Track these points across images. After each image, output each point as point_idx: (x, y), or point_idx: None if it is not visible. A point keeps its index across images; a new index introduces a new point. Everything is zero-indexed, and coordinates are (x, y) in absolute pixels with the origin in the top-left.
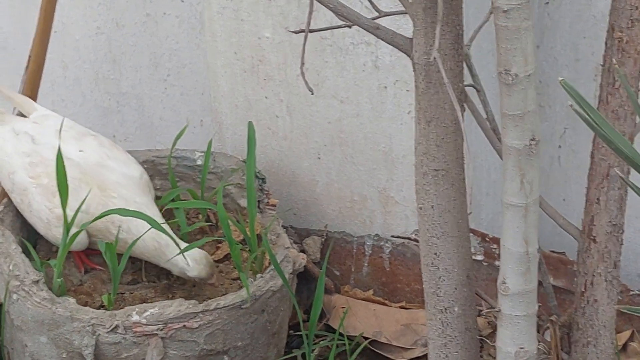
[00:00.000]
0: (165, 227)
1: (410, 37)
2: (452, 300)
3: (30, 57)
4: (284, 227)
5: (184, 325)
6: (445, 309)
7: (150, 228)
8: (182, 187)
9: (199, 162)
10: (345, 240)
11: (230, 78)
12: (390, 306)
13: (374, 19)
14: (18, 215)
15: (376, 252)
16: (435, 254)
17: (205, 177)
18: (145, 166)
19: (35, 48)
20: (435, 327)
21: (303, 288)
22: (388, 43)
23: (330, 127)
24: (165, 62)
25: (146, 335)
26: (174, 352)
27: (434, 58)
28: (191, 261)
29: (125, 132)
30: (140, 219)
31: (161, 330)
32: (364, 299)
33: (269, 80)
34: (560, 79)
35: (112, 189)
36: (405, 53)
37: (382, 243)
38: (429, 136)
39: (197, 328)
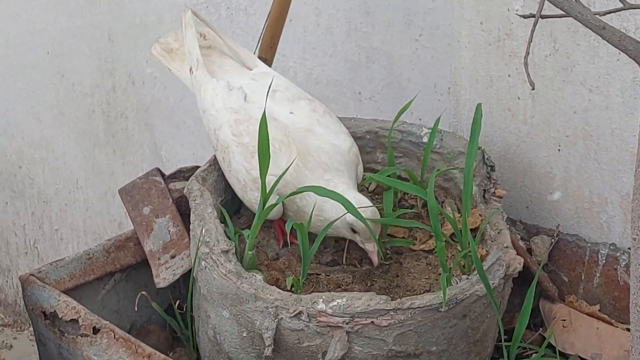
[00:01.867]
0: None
1: None
2: None
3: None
4: (512, 220)
5: (372, 322)
6: None
7: (346, 212)
8: (401, 166)
9: (425, 139)
10: (577, 244)
11: (473, 49)
12: (617, 327)
13: (605, 13)
14: (223, 176)
15: (610, 263)
16: None
17: (428, 156)
18: (368, 137)
19: None
20: None
21: (526, 290)
22: (614, 46)
23: (575, 117)
24: (419, 20)
25: (331, 326)
26: (359, 348)
27: None
28: (356, 202)
29: (372, 89)
30: (336, 200)
31: (347, 323)
32: (588, 314)
33: (514, 57)
34: None
35: (313, 155)
36: (634, 60)
37: (618, 254)
38: None
39: (386, 326)
